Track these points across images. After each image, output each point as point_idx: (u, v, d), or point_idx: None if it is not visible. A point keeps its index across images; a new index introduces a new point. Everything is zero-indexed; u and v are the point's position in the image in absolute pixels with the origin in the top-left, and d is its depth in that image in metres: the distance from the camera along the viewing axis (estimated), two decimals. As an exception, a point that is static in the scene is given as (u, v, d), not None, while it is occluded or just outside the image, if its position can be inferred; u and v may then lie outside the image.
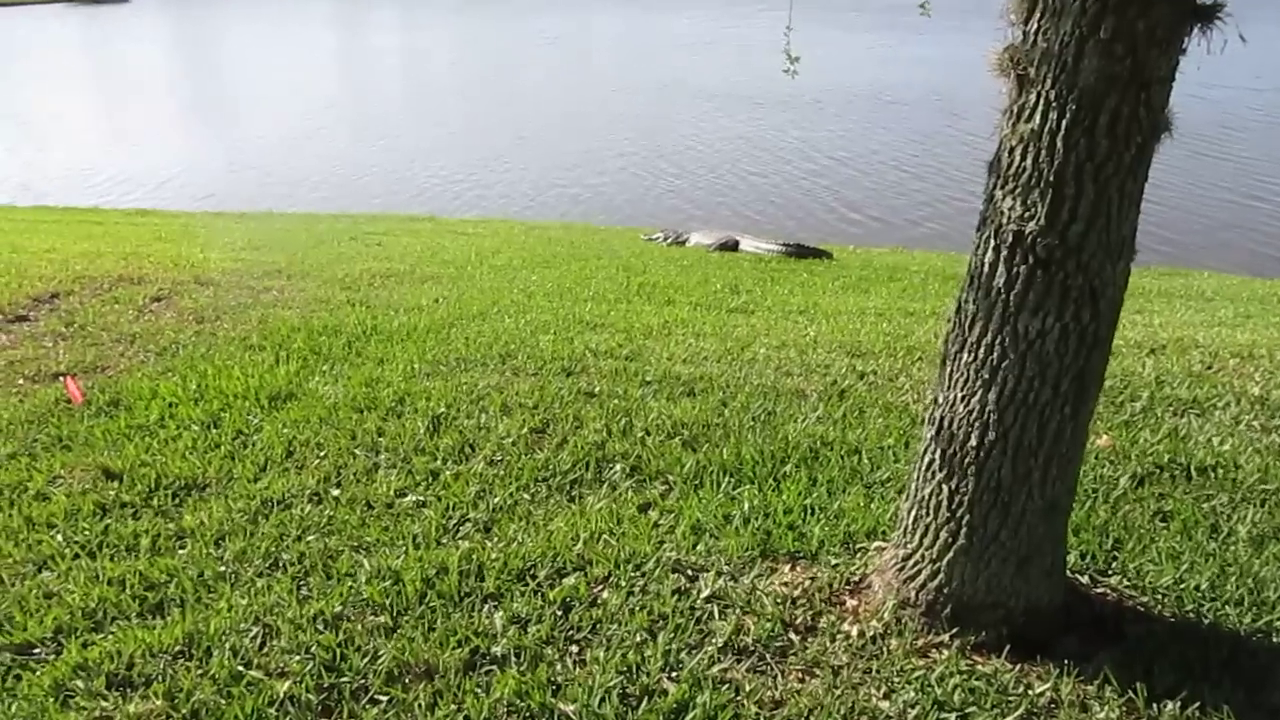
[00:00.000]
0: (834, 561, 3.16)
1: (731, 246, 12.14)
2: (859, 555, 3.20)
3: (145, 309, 6.58)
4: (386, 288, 7.76)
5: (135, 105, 32.91)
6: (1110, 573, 3.14)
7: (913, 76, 33.27)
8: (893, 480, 3.76)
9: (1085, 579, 3.10)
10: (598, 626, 2.88)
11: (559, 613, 2.94)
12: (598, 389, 4.78)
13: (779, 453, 4.00)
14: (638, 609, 2.94)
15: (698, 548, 3.27)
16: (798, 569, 3.15)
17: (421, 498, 3.69)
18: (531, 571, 3.16)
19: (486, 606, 2.99)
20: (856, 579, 3.06)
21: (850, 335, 6.20)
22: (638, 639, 2.81)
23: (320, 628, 2.88)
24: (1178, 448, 4.11)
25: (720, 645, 2.77)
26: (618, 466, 3.93)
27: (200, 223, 13.89)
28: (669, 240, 12.78)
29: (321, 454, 4.09)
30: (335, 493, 3.74)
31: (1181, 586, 3.05)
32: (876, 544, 3.22)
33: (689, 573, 3.14)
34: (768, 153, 23.01)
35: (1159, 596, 3.02)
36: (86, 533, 3.46)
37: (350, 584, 3.09)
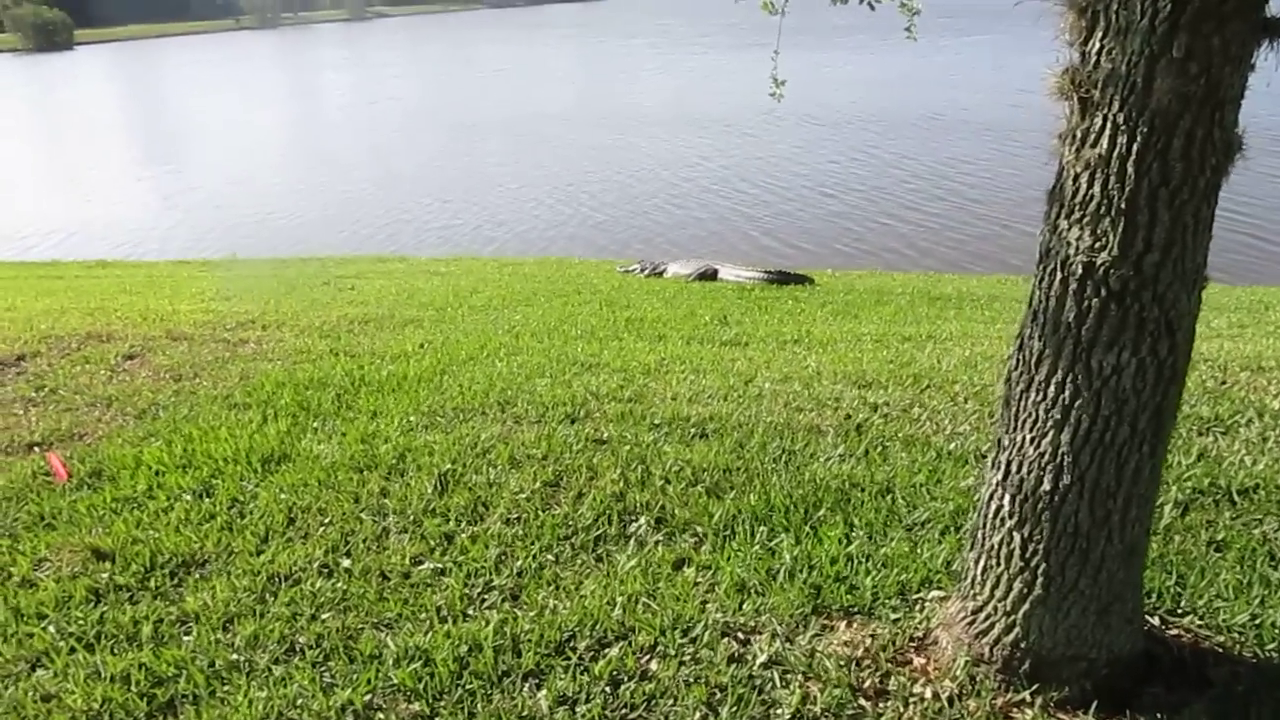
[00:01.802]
0: (893, 616, 2.98)
1: (710, 276, 12.01)
2: (917, 608, 3.01)
3: (118, 368, 6.30)
4: (367, 334, 7.52)
5: (81, 154, 32.49)
6: (1181, 611, 2.99)
7: (849, 97, 33.37)
8: (933, 521, 3.59)
9: (1157, 620, 2.94)
10: (653, 703, 2.67)
11: (607, 689, 2.73)
12: (606, 435, 4.58)
13: (809, 496, 3.82)
14: (692, 680, 2.73)
15: (745, 607, 3.07)
16: (854, 626, 2.96)
17: (439, 565, 3.46)
18: (570, 643, 2.94)
19: (527, 685, 2.77)
20: (920, 634, 2.88)
21: (853, 365, 6.04)
22: (698, 715, 2.61)
23: (351, 720, 2.66)
24: (1213, 470, 3.98)
25: (788, 718, 2.58)
26: (642, 519, 3.72)
27: (164, 272, 13.57)
28: (646, 272, 12.63)
29: (325, 520, 3.85)
30: (346, 563, 3.51)
31: (1258, 623, 2.90)
32: (934, 594, 3.04)
33: (740, 636, 2.94)
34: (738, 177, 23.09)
35: (1235, 635, 2.87)
36: (81, 622, 3.20)
37: (377, 667, 2.86)
